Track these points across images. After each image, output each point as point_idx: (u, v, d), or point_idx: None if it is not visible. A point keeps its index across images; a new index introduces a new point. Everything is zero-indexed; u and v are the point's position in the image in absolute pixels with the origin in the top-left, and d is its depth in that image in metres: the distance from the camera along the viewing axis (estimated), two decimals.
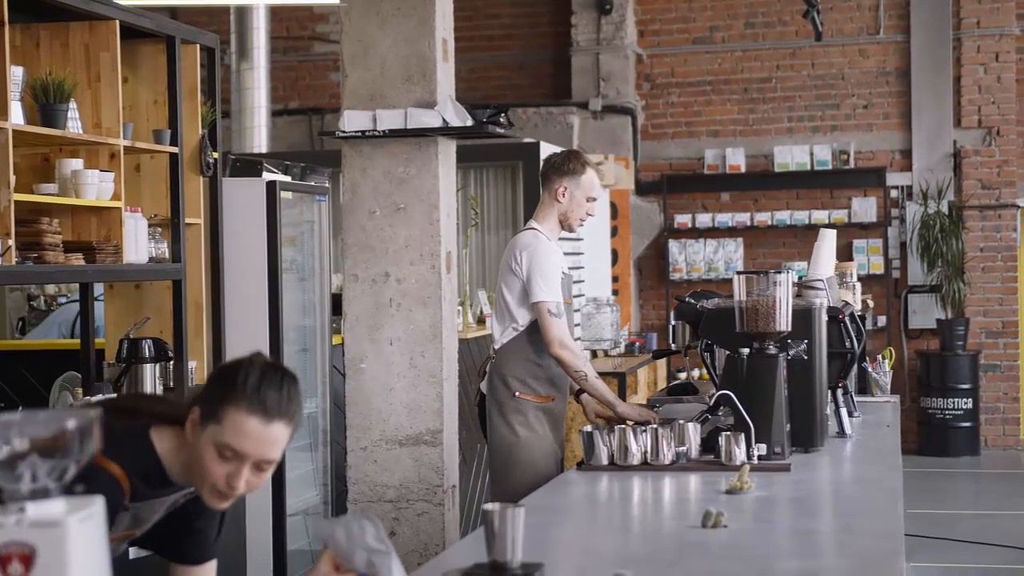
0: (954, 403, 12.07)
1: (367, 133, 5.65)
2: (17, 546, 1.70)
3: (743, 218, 12.64)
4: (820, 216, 12.41)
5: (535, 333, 5.12)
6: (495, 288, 9.49)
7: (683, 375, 12.09)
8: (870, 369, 6.34)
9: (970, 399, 12.09)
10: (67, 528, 1.72)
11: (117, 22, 5.12)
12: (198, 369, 5.76)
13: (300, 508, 6.60)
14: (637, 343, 10.80)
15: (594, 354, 10.15)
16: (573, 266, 10.05)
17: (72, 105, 4.87)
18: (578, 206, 5.22)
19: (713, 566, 2.93)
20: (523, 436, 5.11)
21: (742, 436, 4.17)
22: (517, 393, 5.14)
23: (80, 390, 5.36)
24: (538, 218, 5.29)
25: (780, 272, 4.38)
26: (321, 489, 6.79)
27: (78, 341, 5.63)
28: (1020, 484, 11.34)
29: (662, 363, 10.96)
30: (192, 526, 2.84)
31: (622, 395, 8.87)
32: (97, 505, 1.79)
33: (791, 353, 4.43)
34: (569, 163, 5.24)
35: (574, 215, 5.23)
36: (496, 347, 5.24)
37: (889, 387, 6.37)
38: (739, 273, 4.43)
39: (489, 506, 2.71)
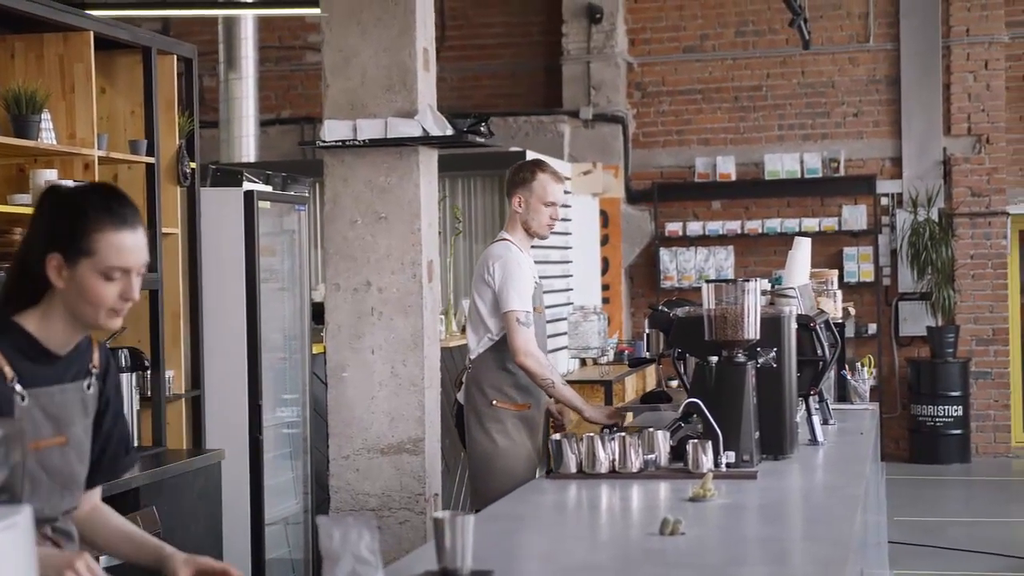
0: (944, 410, 12.07)
1: (348, 143, 5.67)
2: None
3: (734, 226, 12.66)
4: (810, 224, 12.42)
5: None
6: None
7: (675, 383, 12.09)
8: (849, 377, 6.34)
9: (960, 406, 12.10)
10: None
11: (91, 33, 5.14)
12: (175, 379, 5.77)
13: (280, 517, 6.61)
14: (627, 351, 10.80)
15: (582, 362, 10.16)
16: (562, 274, 10.10)
17: (45, 116, 4.89)
18: (536, 213, 5.32)
19: (665, 573, 2.94)
20: (501, 444, 5.18)
21: (709, 444, 4.19)
22: (494, 402, 5.23)
23: None
24: (508, 229, 5.41)
25: (748, 280, 4.40)
26: (302, 498, 6.80)
27: None
28: (1010, 491, 11.34)
29: (651, 371, 10.97)
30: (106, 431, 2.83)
31: (608, 403, 8.88)
32: (23, 514, 1.80)
33: (760, 361, 4.45)
34: (520, 173, 5.38)
35: (536, 222, 5.33)
36: (472, 357, 5.34)
37: (868, 395, 6.36)
38: (708, 281, 4.44)
39: (438, 514, 2.73)
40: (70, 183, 2.75)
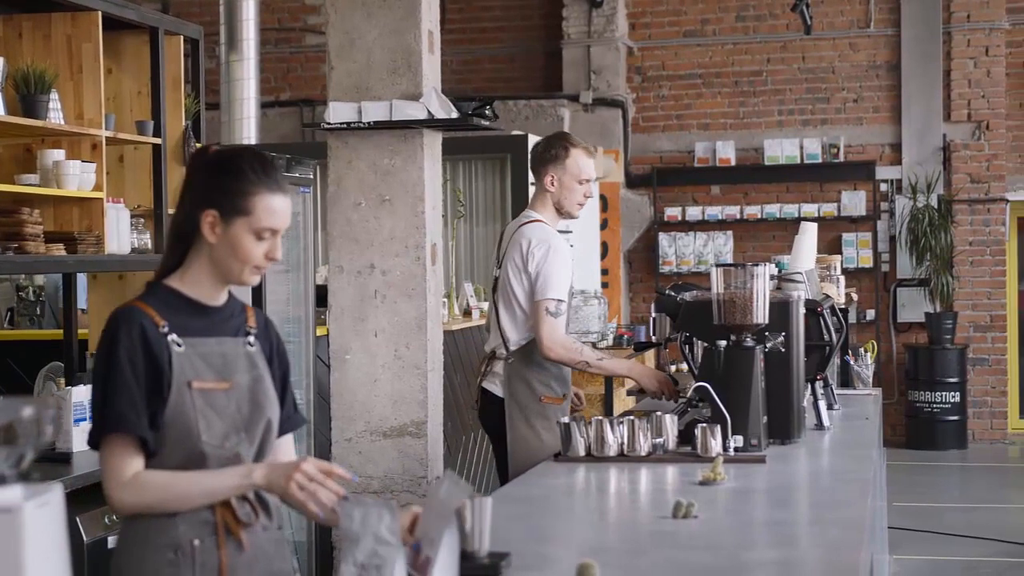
0: (942, 396, 12.10)
1: (352, 125, 5.66)
2: None
3: (733, 211, 12.67)
4: (810, 209, 12.43)
5: None
6: (483, 280, 9.51)
7: (673, 367, 12.11)
8: (852, 362, 6.35)
9: (958, 393, 12.13)
10: (23, 514, 1.74)
11: (99, 13, 5.12)
12: None
13: None
14: (626, 335, 10.81)
15: None
16: None
17: (54, 96, 4.88)
18: (569, 191, 5.10)
19: (680, 556, 2.95)
20: (547, 440, 4.98)
21: (718, 428, 4.19)
22: (543, 398, 5.04)
23: (63, 380, 5.37)
24: (536, 208, 5.18)
25: (758, 265, 4.40)
26: None
27: (62, 332, 5.64)
28: (1007, 477, 11.39)
29: (651, 355, 10.99)
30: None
31: (609, 387, 8.88)
32: (55, 492, 1.81)
33: (768, 345, 4.44)
34: (551, 149, 5.13)
35: (568, 201, 5.11)
36: (512, 347, 5.08)
37: (871, 380, 6.38)
38: (717, 266, 4.44)
39: None
40: (217, 146, 2.95)
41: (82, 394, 5.04)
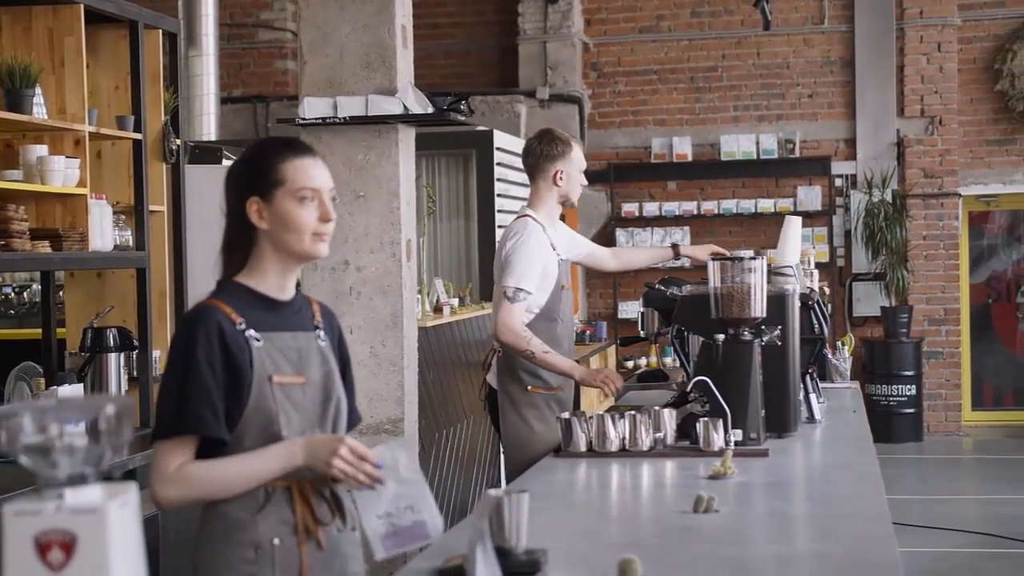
0: (898, 390, 12.21)
1: (327, 120, 5.61)
2: (57, 533, 1.68)
3: (690, 207, 12.71)
4: (766, 205, 12.50)
5: (541, 324, 5.06)
6: (450, 276, 9.45)
7: (630, 363, 12.14)
8: (830, 356, 6.39)
9: (913, 386, 12.24)
10: (107, 514, 1.70)
11: (81, 6, 5.04)
12: (162, 358, 5.68)
13: None
14: (587, 332, 10.83)
15: None
16: None
17: (37, 90, 4.79)
18: (575, 183, 5.27)
19: (715, 550, 2.93)
20: (538, 430, 5.04)
21: (720, 422, 4.19)
22: (529, 387, 5.10)
23: (42, 380, 5.27)
24: (533, 205, 5.25)
25: (755, 258, 4.39)
26: None
27: (39, 331, 5.54)
28: (963, 469, 11.51)
29: (612, 351, 11.01)
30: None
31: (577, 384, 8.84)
32: (132, 492, 1.76)
33: (765, 339, 4.45)
34: (555, 146, 5.23)
35: (574, 192, 5.28)
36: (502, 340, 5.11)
37: (849, 373, 6.41)
38: (714, 259, 4.43)
39: (494, 492, 2.71)
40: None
41: (67, 394, 4.96)
